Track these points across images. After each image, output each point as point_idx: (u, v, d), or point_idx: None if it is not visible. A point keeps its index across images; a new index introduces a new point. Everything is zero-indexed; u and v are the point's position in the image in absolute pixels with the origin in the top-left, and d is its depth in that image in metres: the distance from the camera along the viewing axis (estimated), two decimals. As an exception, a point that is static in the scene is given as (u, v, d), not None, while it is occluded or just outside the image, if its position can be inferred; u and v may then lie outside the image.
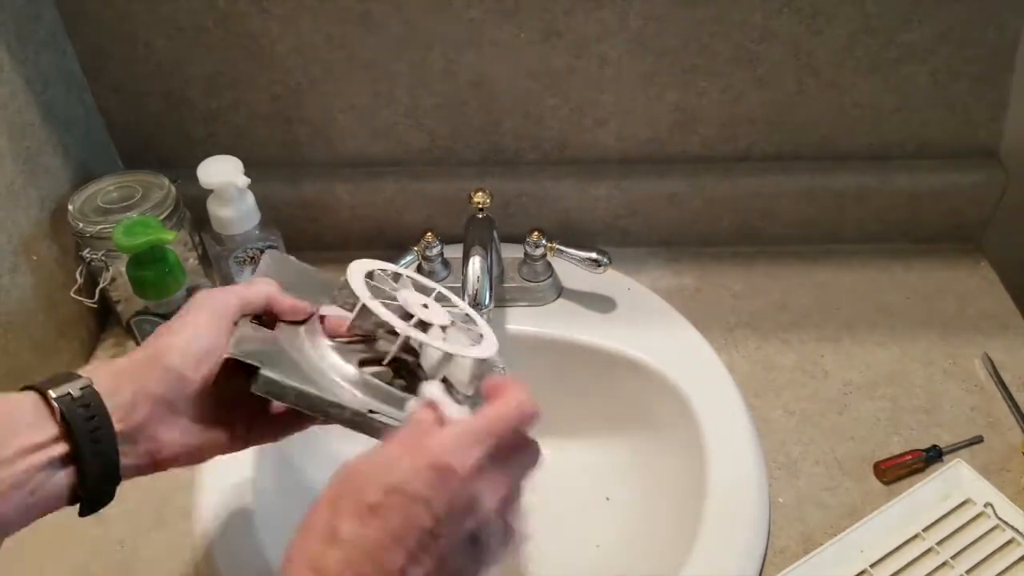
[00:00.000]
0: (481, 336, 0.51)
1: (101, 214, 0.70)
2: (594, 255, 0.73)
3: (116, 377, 0.43)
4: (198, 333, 0.45)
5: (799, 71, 0.74)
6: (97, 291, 0.71)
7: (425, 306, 0.50)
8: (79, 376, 0.42)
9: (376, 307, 0.47)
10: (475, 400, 0.49)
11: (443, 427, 0.39)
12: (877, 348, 0.75)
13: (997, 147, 0.80)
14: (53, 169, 0.72)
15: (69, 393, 0.40)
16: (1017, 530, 0.60)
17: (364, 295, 0.48)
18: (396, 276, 0.53)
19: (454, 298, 0.55)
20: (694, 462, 0.64)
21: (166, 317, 0.65)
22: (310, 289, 0.53)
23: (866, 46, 0.73)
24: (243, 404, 0.47)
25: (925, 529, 0.60)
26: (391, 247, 0.76)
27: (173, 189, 0.72)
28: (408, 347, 0.49)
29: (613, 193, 0.80)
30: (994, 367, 0.72)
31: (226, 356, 0.45)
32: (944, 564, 0.58)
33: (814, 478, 0.65)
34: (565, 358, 0.74)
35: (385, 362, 0.49)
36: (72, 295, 0.71)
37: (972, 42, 0.73)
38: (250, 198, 0.71)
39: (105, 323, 0.79)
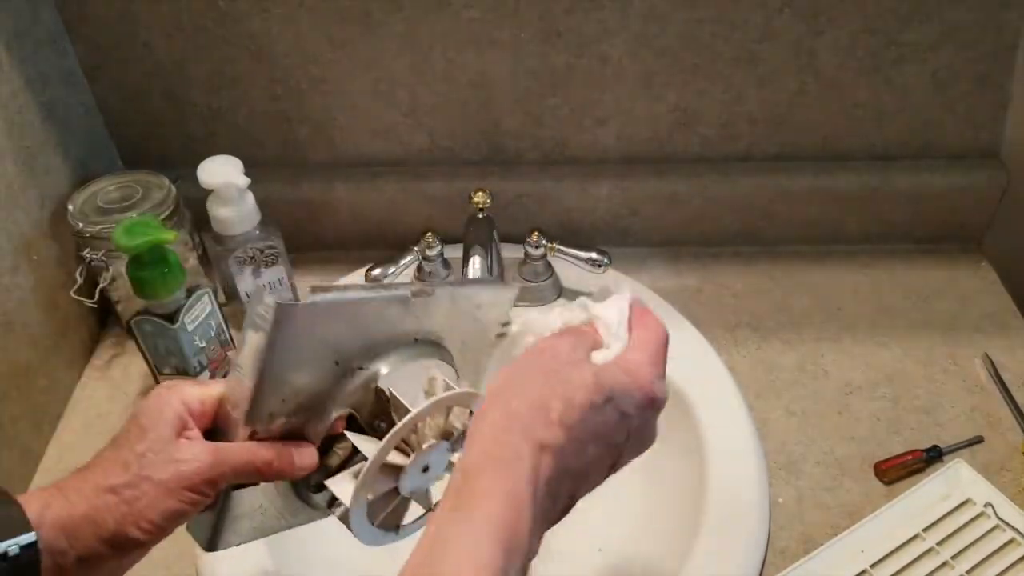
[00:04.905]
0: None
1: (101, 214, 0.70)
2: (594, 255, 0.73)
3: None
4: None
5: (800, 71, 0.74)
6: (97, 291, 0.71)
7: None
8: (26, 524, 0.38)
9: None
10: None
11: (643, 353, 0.42)
12: (877, 348, 0.75)
13: (998, 148, 0.80)
14: (53, 169, 0.72)
15: (6, 552, 0.37)
16: (1017, 530, 0.60)
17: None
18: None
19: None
20: (694, 462, 0.64)
21: (166, 317, 0.65)
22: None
23: (867, 46, 0.73)
24: None
25: (925, 529, 0.60)
26: (391, 247, 0.76)
27: (173, 189, 0.72)
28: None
29: (613, 193, 0.80)
30: (994, 367, 0.72)
31: None
32: (944, 564, 0.58)
33: (814, 478, 0.65)
34: (565, 358, 0.73)
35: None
36: (72, 295, 0.71)
37: (973, 42, 0.73)
38: (250, 198, 0.71)
39: (105, 323, 0.80)
